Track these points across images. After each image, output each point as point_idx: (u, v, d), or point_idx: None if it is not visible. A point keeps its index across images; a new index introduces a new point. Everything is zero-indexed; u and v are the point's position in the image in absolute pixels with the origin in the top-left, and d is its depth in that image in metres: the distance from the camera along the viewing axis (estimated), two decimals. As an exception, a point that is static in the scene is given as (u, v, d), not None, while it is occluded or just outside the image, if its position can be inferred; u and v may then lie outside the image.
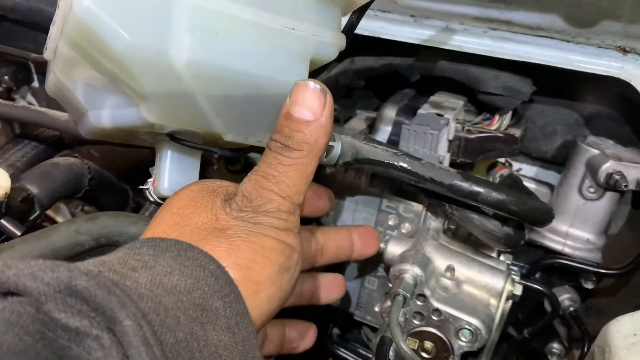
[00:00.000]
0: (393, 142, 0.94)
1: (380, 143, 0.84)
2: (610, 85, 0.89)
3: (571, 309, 0.96)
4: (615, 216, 1.04)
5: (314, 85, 0.60)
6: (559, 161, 1.05)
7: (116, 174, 1.17)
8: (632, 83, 0.84)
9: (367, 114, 1.11)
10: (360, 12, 0.70)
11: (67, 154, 0.99)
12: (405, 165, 0.75)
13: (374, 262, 0.94)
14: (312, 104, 0.59)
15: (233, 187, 0.61)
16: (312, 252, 0.77)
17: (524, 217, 0.77)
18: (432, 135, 0.86)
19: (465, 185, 0.74)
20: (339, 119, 1.18)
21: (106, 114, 0.65)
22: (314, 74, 0.71)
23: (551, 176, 1.10)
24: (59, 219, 1.41)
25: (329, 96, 0.62)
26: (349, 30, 0.70)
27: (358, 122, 1.06)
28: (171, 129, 0.66)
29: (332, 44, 0.67)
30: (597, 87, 0.96)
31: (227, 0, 0.58)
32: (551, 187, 1.08)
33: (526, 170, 1.13)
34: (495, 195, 0.74)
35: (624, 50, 0.86)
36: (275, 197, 0.57)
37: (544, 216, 0.78)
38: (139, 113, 0.61)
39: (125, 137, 0.73)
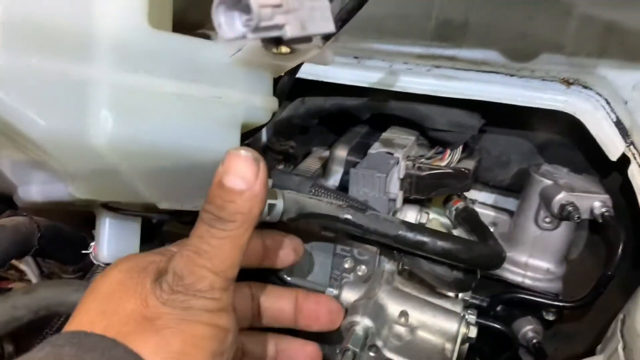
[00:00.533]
0: (346, 183, 0.94)
1: (328, 191, 0.83)
2: (559, 114, 0.89)
3: (534, 340, 0.95)
4: (575, 241, 1.04)
5: (245, 153, 0.57)
6: (516, 189, 1.05)
7: (77, 220, 1.15)
8: (576, 116, 0.84)
9: (322, 151, 1.11)
10: (291, 74, 0.69)
11: (12, 213, 0.97)
12: (349, 217, 0.74)
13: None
14: (244, 172, 0.57)
15: (164, 262, 0.59)
16: (248, 311, 0.75)
17: (471, 264, 0.76)
18: (380, 179, 0.85)
19: (410, 235, 0.73)
20: (297, 156, 1.18)
21: (35, 190, 0.63)
22: (250, 134, 0.70)
23: (510, 202, 1.10)
24: (23, 266, 1.39)
25: (262, 163, 0.60)
26: (281, 92, 0.69)
27: (312, 162, 1.06)
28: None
29: (263, 108, 0.65)
30: (547, 116, 0.96)
31: (147, 75, 0.56)
32: (511, 213, 1.07)
33: (485, 197, 1.13)
34: (441, 244, 0.73)
35: (568, 83, 0.86)
36: (207, 274, 0.55)
37: (492, 261, 0.77)
38: (68, 189, 0.60)
39: (62, 206, 0.72)
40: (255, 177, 0.57)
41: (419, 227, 0.74)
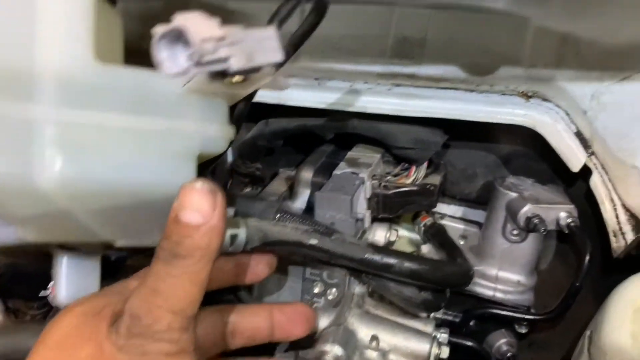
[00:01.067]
0: (313, 205, 0.93)
1: (294, 216, 0.82)
2: (521, 126, 0.89)
3: (508, 354, 0.95)
4: (545, 251, 1.04)
5: (201, 185, 0.55)
6: (484, 201, 1.05)
7: (41, 254, 1.12)
8: (537, 129, 0.85)
9: (289, 172, 1.09)
10: (247, 100, 0.67)
11: (-29, 255, 0.94)
12: (315, 243, 0.73)
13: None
14: (201, 205, 0.55)
15: (121, 303, 0.57)
16: (219, 337, 0.72)
17: (439, 284, 0.75)
18: (345, 201, 0.84)
19: (376, 258, 0.72)
20: (264, 178, 1.16)
21: (-18, 234, 0.61)
22: (207, 164, 0.68)
23: (479, 214, 1.09)
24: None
25: (219, 195, 0.59)
26: (237, 119, 0.67)
27: (279, 185, 1.04)
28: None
29: (219, 137, 0.64)
30: (509, 129, 0.96)
31: (96, 111, 0.53)
32: (480, 225, 1.07)
33: (454, 210, 1.13)
34: (407, 265, 0.72)
35: (527, 96, 0.87)
36: (165, 314, 0.53)
37: (460, 280, 0.77)
38: (17, 233, 0.58)
39: (17, 247, 0.69)
40: (212, 210, 0.56)
41: (385, 250, 0.74)
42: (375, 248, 0.74)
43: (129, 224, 0.63)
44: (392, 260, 0.73)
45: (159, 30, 0.45)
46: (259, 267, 0.76)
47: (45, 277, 1.11)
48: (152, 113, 0.57)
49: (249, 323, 0.75)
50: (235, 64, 0.46)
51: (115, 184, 0.56)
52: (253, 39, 0.48)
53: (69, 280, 0.68)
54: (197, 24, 0.43)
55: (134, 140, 0.56)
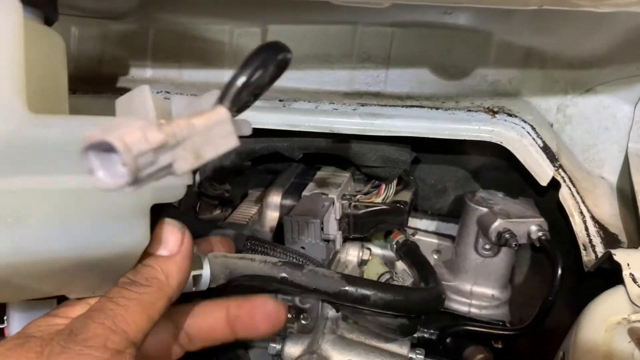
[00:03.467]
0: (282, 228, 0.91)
1: (265, 244, 0.80)
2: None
3: (485, 369, 0.94)
4: (519, 263, 1.04)
5: (171, 221, 0.56)
6: (456, 215, 1.05)
7: None
8: (504, 145, 0.84)
9: (259, 192, 1.08)
10: None
11: None
12: (285, 276, 0.71)
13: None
14: (167, 240, 0.55)
15: (63, 326, 0.54)
16: (171, 343, 0.68)
17: (414, 312, 0.74)
18: (315, 224, 0.83)
19: (351, 290, 0.71)
20: (233, 200, 1.14)
21: None
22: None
23: (452, 228, 1.09)
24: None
25: (187, 235, 0.57)
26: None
27: (247, 208, 1.02)
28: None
29: (175, 185, 0.60)
30: (478, 144, 0.96)
31: (32, 175, 0.47)
32: (453, 238, 1.07)
33: (427, 225, 1.12)
34: (382, 297, 0.70)
35: (493, 112, 0.86)
36: (104, 331, 0.48)
37: (433, 306, 0.76)
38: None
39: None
40: (177, 246, 0.55)
41: (359, 281, 0.72)
42: (349, 280, 0.72)
43: (80, 280, 0.58)
44: (367, 292, 0.71)
45: (86, 138, 0.36)
46: (259, 319, 0.68)
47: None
48: None
49: (203, 323, 0.68)
50: (180, 168, 0.39)
51: (60, 250, 0.49)
52: (202, 129, 0.41)
53: (22, 322, 0.65)
54: (130, 133, 0.36)
55: (77, 201, 0.50)
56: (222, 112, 0.42)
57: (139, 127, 0.35)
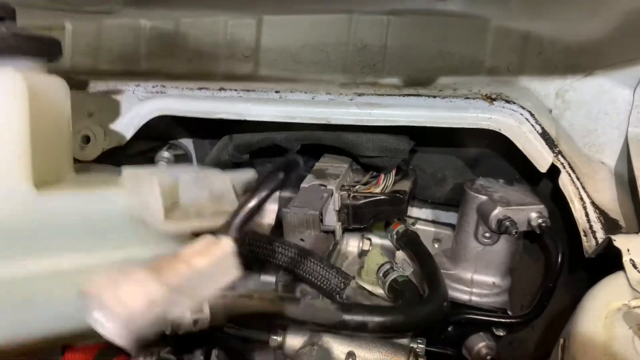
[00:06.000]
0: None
1: (262, 238, 0.80)
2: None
3: (488, 357, 0.94)
4: (519, 249, 1.04)
5: None
6: (456, 203, 1.04)
7: None
8: (502, 132, 0.84)
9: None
10: None
11: None
12: (283, 312, 0.71)
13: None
14: None
15: None
16: None
17: (417, 329, 0.75)
18: (313, 216, 0.83)
19: (349, 319, 0.70)
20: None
21: None
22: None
23: (452, 216, 1.09)
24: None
25: None
26: None
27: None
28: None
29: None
30: (476, 131, 0.95)
31: (37, 257, 0.45)
32: (453, 227, 1.06)
33: (427, 214, 1.12)
34: (381, 320, 0.70)
35: (491, 99, 0.85)
36: None
37: (437, 316, 0.76)
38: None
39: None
40: None
41: (356, 309, 0.71)
42: (345, 308, 0.71)
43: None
44: (365, 319, 0.70)
45: (86, 293, 0.36)
46: None
47: None
48: (102, 245, 0.50)
49: None
50: (176, 313, 0.38)
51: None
52: (205, 270, 0.40)
53: None
54: (129, 292, 0.35)
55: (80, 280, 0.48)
56: (227, 246, 0.42)
57: (139, 283, 0.34)
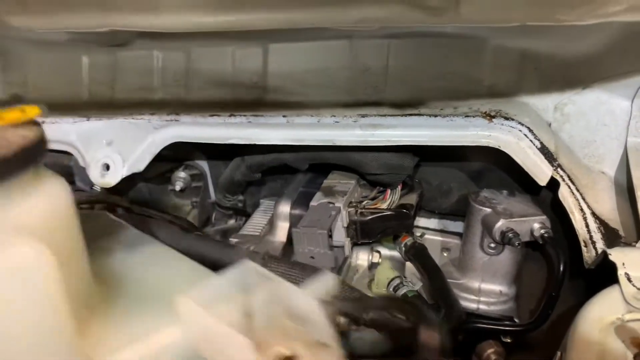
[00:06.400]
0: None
1: (279, 262, 0.83)
2: (488, 142, 0.91)
3: (497, 363, 0.97)
4: (523, 256, 1.07)
5: None
6: (461, 213, 1.07)
7: None
8: (502, 148, 0.86)
9: (269, 202, 1.12)
10: None
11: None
12: None
13: None
14: None
15: None
16: None
17: None
18: (322, 235, 0.87)
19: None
20: (246, 210, 1.19)
21: None
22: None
23: (460, 226, 1.12)
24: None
25: None
26: None
27: (259, 219, 1.07)
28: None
29: None
30: (477, 147, 0.98)
31: None
32: (461, 235, 1.09)
33: (435, 223, 1.15)
34: None
35: (490, 116, 0.88)
36: None
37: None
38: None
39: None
40: None
41: None
42: None
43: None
44: None
45: None
46: None
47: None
48: None
49: None
50: None
51: None
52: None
53: None
54: None
55: None
56: None
57: None
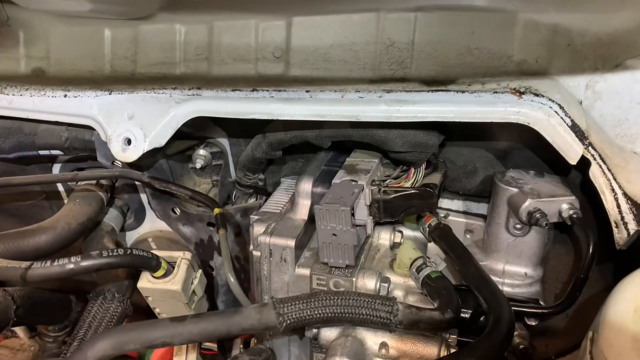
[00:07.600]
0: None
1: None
2: (516, 120, 0.89)
3: (521, 346, 0.96)
4: (551, 239, 1.05)
5: None
6: (486, 195, 1.05)
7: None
8: (531, 125, 0.84)
9: (291, 180, 1.11)
10: None
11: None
12: None
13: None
14: None
15: None
16: None
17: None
18: (345, 212, 0.85)
19: None
20: (266, 188, 1.18)
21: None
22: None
23: (483, 207, 1.10)
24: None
25: None
26: None
27: (280, 197, 1.06)
28: None
29: None
30: (506, 124, 0.96)
31: None
32: (485, 217, 1.07)
33: (458, 205, 1.13)
34: None
35: (519, 93, 0.86)
36: None
37: (508, 342, 0.76)
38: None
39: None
40: None
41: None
42: None
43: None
44: None
45: None
46: None
47: (64, 303, 1.14)
48: None
49: None
50: None
51: None
52: None
53: None
54: None
55: None
56: None
57: None
